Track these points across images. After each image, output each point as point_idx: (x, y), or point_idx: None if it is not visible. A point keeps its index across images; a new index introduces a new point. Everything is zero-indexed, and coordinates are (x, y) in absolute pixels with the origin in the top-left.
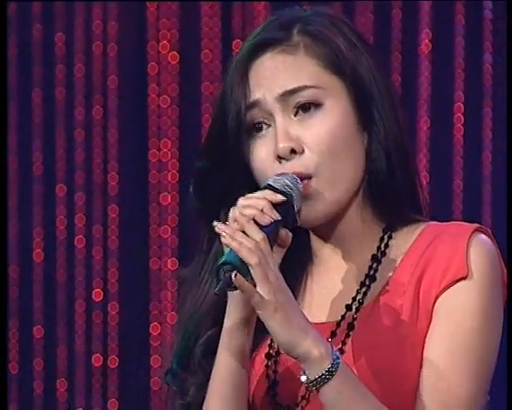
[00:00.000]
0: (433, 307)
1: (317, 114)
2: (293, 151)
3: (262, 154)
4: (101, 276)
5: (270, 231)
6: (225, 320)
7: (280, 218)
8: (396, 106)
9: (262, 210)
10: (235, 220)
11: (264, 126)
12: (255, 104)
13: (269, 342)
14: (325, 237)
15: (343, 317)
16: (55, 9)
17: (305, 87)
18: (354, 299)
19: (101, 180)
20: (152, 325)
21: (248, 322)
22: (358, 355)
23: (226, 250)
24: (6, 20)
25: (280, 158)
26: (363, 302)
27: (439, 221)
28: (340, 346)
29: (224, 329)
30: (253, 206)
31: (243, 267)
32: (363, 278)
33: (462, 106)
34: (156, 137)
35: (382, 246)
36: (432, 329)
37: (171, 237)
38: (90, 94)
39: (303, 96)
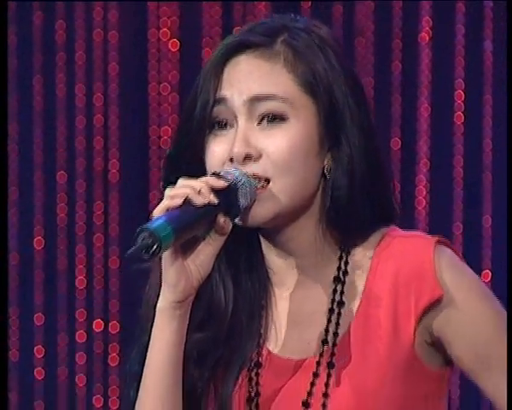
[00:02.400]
0: (414, 330)
1: (280, 126)
2: (247, 157)
3: (218, 150)
4: (102, 263)
5: (204, 214)
6: (158, 302)
7: (216, 202)
8: (368, 133)
9: (199, 191)
10: (169, 197)
11: (228, 126)
12: (222, 101)
13: (246, 386)
14: (277, 247)
15: (321, 354)
16: None
17: (274, 97)
18: (327, 330)
19: (101, 167)
20: None
21: (181, 305)
22: (342, 397)
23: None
24: (6, 9)
25: (232, 161)
26: (337, 334)
27: (425, 215)
28: (324, 390)
29: (157, 310)
30: (190, 185)
31: (161, 235)
32: (330, 305)
33: (462, 93)
34: (157, 124)
35: (342, 265)
36: (457, 338)
37: None
38: (91, 81)
39: (270, 106)
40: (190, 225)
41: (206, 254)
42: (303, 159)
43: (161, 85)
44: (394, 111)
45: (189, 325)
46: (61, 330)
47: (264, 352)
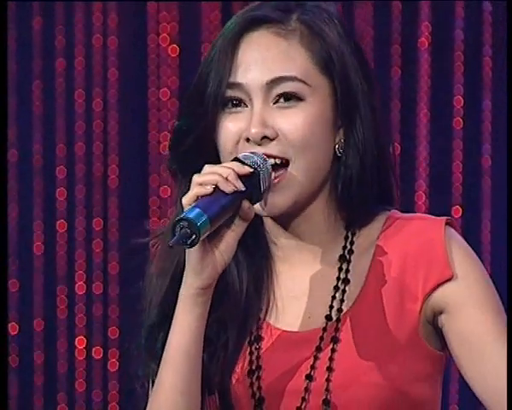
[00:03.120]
0: (421, 309)
1: (296, 106)
2: (264, 137)
3: (232, 129)
4: (101, 269)
5: (233, 201)
6: (181, 289)
7: (244, 189)
8: (377, 113)
9: (227, 178)
10: (198, 184)
11: (242, 104)
12: (238, 85)
13: (247, 359)
14: (287, 230)
15: (324, 329)
16: (55, 2)
17: (294, 78)
18: (332, 306)
19: (101, 173)
20: None
21: (204, 292)
22: (347, 371)
23: (185, 209)
24: (6, 12)
25: (249, 141)
26: (341, 310)
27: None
28: (328, 364)
29: (179, 297)
30: (217, 172)
31: (199, 224)
32: (335, 282)
33: (461, 99)
34: (156, 129)
35: (348, 244)
36: (457, 322)
37: None
38: (90, 87)
39: (287, 87)
40: (223, 211)
41: (229, 240)
42: (319, 137)
43: (161, 91)
44: (393, 116)
45: None
46: (61, 336)
47: (265, 326)
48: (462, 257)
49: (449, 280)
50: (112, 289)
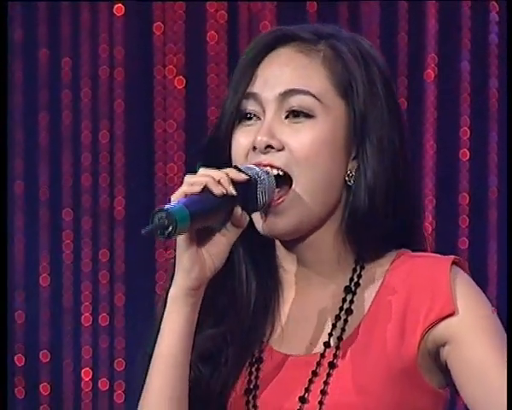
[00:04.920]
0: (419, 343)
1: (306, 122)
2: (269, 147)
3: (242, 141)
4: (107, 300)
5: (221, 204)
6: (170, 291)
7: (235, 193)
8: (398, 153)
9: (219, 181)
10: (189, 184)
11: (254, 118)
12: (252, 96)
13: (246, 378)
14: (295, 256)
15: (322, 355)
16: (61, 34)
17: (307, 93)
18: (331, 334)
19: (107, 205)
20: None
21: (194, 294)
22: (341, 395)
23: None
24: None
25: (255, 150)
26: (341, 338)
27: (429, 249)
28: (322, 387)
29: (168, 299)
30: (210, 175)
31: (177, 218)
32: (337, 312)
33: (468, 130)
34: (162, 161)
35: (355, 277)
36: (458, 357)
37: None
38: (97, 118)
39: (300, 101)
40: (207, 212)
41: (220, 245)
42: (326, 158)
43: (167, 123)
44: None
45: (204, 320)
46: (67, 367)
47: (267, 348)
48: (466, 294)
49: (451, 315)
50: (118, 320)
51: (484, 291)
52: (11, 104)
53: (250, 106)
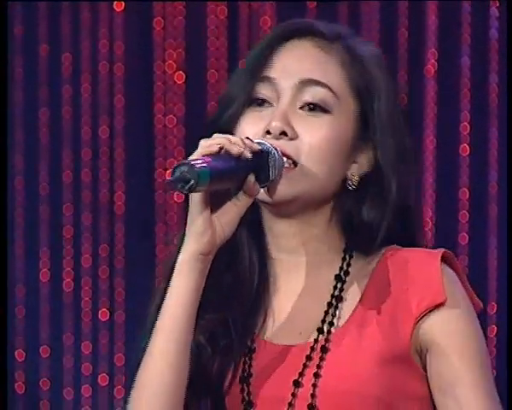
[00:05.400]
0: (412, 331)
1: (322, 117)
2: (283, 133)
3: (253, 126)
4: (107, 296)
5: (237, 166)
6: (180, 255)
7: (250, 156)
8: (402, 158)
9: (234, 143)
10: (205, 146)
11: (266, 104)
12: (269, 80)
13: (241, 367)
14: (288, 246)
15: (316, 340)
16: (61, 29)
17: (325, 85)
18: (324, 321)
19: (107, 200)
20: None
21: (203, 259)
22: (334, 378)
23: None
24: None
25: (268, 134)
26: (333, 324)
27: (431, 241)
28: (315, 370)
29: (176, 265)
30: (225, 137)
31: (199, 171)
32: (329, 299)
33: (468, 126)
34: (162, 156)
35: (345, 266)
36: (438, 360)
37: None
38: (97, 113)
39: (318, 94)
40: (225, 172)
41: (231, 213)
42: (335, 154)
43: (167, 118)
44: None
45: (208, 301)
46: (67, 363)
47: (259, 339)
48: (454, 287)
49: (442, 304)
50: (118, 316)
51: (484, 286)
52: (11, 100)
53: (264, 90)
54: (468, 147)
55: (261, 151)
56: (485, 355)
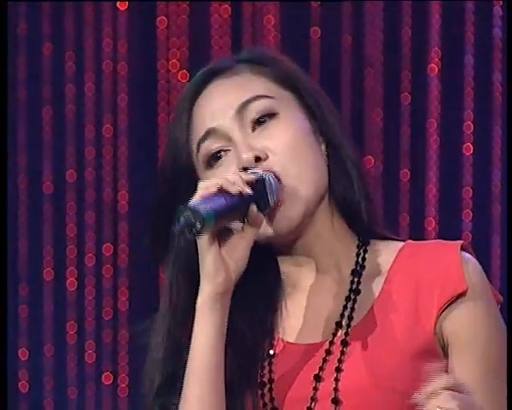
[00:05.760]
0: (435, 323)
1: (273, 123)
2: (257, 159)
3: (225, 174)
4: (111, 294)
5: (239, 202)
6: (198, 298)
7: (250, 192)
8: (344, 130)
9: (233, 183)
10: (204, 188)
11: (223, 153)
12: (210, 133)
13: (259, 372)
14: (297, 257)
15: (334, 335)
16: (65, 28)
17: (257, 97)
18: (343, 315)
19: (111, 199)
20: None
21: (221, 298)
22: (356, 372)
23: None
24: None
25: (245, 169)
26: (353, 317)
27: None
28: (337, 365)
29: (197, 306)
30: (223, 177)
31: (203, 214)
32: (347, 293)
33: (471, 125)
34: None
35: (360, 260)
36: (456, 358)
37: None
38: (100, 112)
39: (258, 107)
40: (228, 209)
41: (240, 247)
42: (305, 145)
43: (170, 117)
44: (403, 142)
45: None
46: (70, 362)
47: (278, 341)
48: (476, 276)
49: (464, 293)
50: (121, 314)
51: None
52: (15, 98)
53: (214, 143)
54: (471, 146)
55: (257, 181)
56: (503, 359)
